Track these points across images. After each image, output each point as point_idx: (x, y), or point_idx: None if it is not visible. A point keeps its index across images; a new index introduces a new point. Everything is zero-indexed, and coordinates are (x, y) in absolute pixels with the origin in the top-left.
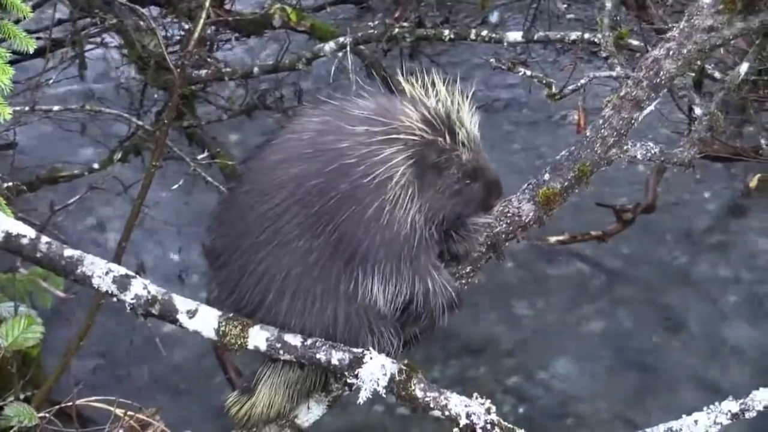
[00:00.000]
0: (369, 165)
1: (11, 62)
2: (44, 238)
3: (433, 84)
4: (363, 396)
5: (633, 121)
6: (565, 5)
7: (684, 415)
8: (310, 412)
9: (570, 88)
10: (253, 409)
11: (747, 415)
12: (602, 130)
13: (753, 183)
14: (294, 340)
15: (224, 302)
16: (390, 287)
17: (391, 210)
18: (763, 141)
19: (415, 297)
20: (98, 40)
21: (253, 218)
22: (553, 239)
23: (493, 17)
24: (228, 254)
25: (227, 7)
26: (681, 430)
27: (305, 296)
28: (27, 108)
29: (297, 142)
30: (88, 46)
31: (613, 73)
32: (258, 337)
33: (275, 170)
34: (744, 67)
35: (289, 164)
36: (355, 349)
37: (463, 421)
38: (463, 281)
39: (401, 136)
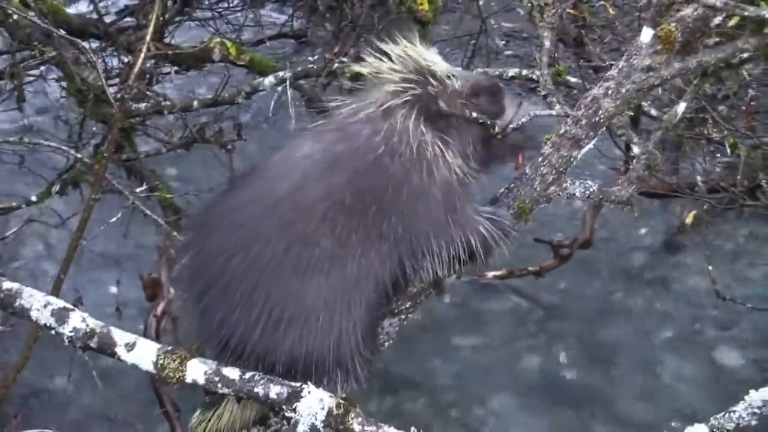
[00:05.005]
0: (396, 144)
1: None
2: None
3: (387, 53)
4: (300, 430)
5: (572, 159)
6: (504, 42)
7: None
8: None
9: (511, 126)
10: (219, 421)
11: None
12: (541, 168)
13: (689, 219)
14: (232, 373)
15: (210, 322)
16: (448, 252)
17: (439, 169)
18: (698, 178)
19: (473, 249)
20: (37, 72)
21: (276, 243)
22: (490, 274)
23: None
24: (223, 282)
25: (166, 40)
26: None
27: (327, 313)
28: None
29: (308, 163)
30: (27, 79)
31: (553, 112)
32: (196, 371)
33: (293, 196)
34: (682, 107)
35: (310, 185)
36: (293, 383)
37: None
38: (402, 317)
39: (398, 101)
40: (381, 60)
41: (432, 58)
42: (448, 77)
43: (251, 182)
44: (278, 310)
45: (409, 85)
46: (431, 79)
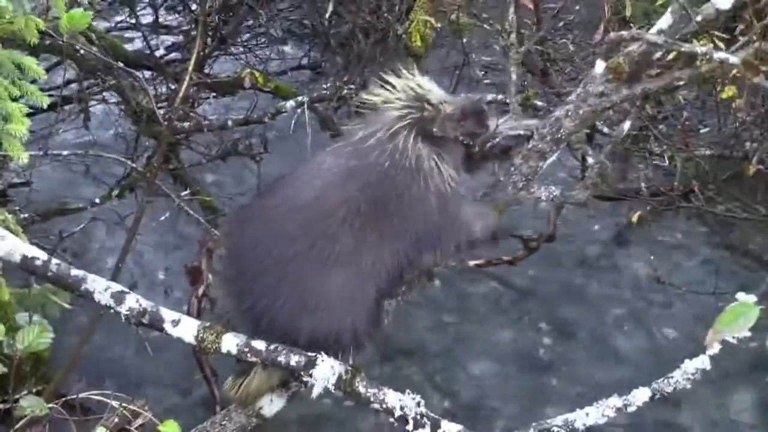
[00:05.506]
0: (399, 159)
1: (28, 115)
2: (54, 260)
3: (391, 83)
4: (316, 392)
5: (538, 169)
6: (483, 72)
7: (578, 409)
8: (273, 404)
9: (489, 144)
10: (249, 385)
11: (628, 410)
12: (513, 176)
13: (634, 218)
14: (259, 345)
15: (245, 311)
16: (441, 248)
17: (434, 179)
18: (642, 184)
19: (462, 246)
20: (100, 97)
21: (300, 241)
22: (472, 263)
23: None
24: (252, 272)
25: (206, 70)
26: (575, 420)
27: (346, 301)
28: (41, 152)
29: (328, 175)
30: (92, 102)
31: (521, 131)
32: (230, 343)
33: (316, 202)
34: (627, 125)
35: (331, 193)
36: (309, 353)
37: (397, 413)
38: (399, 298)
39: (401, 124)
40: (387, 90)
41: (429, 87)
42: (442, 103)
43: (279, 189)
44: (302, 297)
45: (409, 111)
46: (427, 106)
